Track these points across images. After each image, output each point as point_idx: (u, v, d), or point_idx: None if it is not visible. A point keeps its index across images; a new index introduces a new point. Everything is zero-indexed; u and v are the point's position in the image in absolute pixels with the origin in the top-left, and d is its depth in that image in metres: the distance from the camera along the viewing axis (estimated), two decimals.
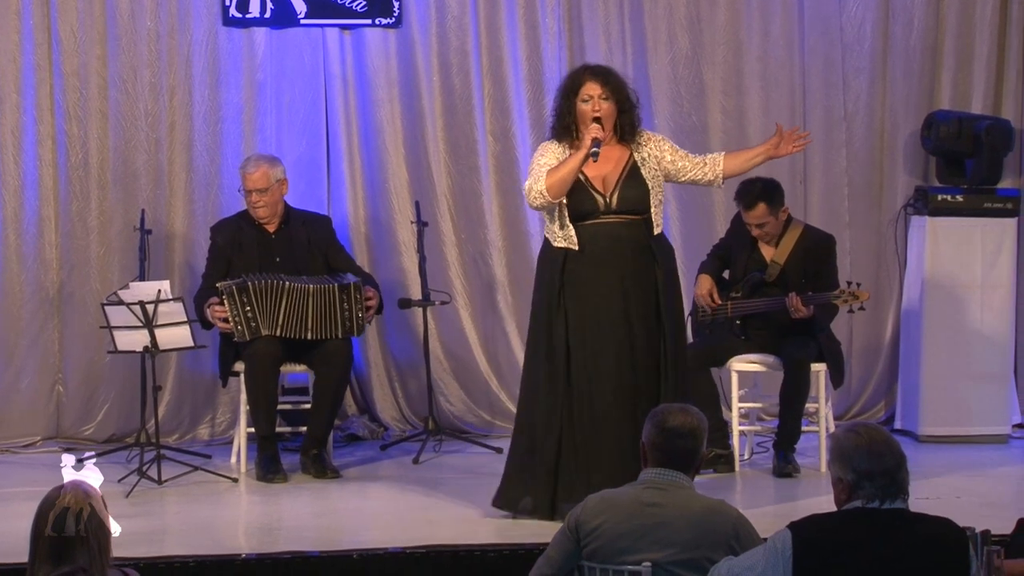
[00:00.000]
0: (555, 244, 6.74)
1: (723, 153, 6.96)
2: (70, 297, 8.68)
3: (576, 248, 6.68)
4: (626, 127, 6.77)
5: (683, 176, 6.85)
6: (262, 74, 8.79)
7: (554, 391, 6.68)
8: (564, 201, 6.67)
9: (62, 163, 8.64)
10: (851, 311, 8.05)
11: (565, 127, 6.77)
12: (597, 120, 6.67)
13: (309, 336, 7.77)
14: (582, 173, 6.68)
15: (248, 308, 7.72)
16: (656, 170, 6.77)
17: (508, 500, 6.83)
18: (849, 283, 7.88)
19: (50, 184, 8.64)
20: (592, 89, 6.73)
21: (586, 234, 6.69)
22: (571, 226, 6.69)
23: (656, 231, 6.75)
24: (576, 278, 6.68)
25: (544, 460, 6.70)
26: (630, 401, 6.62)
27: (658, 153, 6.80)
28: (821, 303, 7.81)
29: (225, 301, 7.71)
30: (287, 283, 7.74)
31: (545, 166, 6.69)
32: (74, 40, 8.60)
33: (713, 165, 6.85)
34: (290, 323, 7.75)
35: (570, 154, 6.68)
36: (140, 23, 8.64)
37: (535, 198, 6.65)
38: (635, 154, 6.77)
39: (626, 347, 6.65)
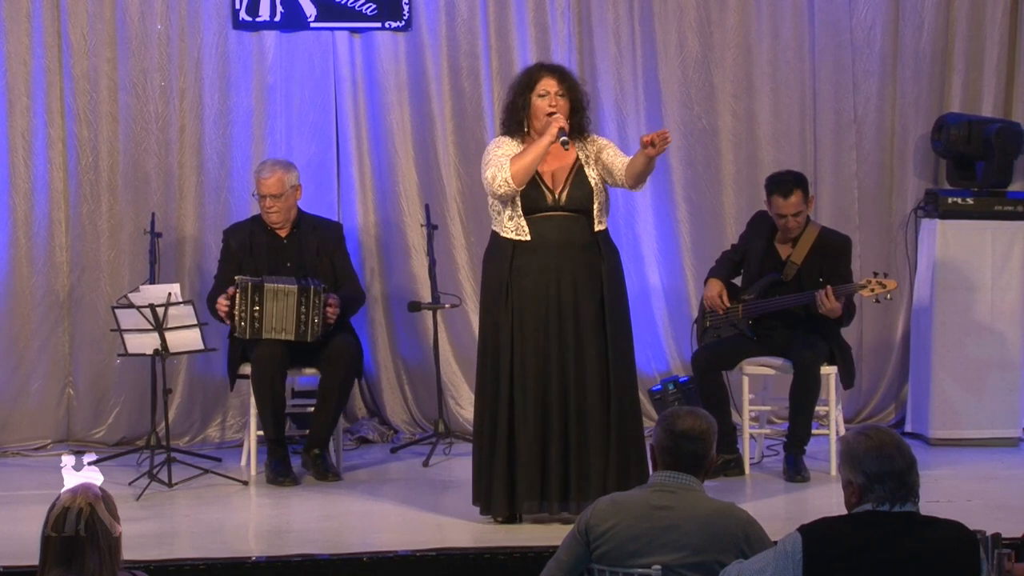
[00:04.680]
0: (504, 235, 6.80)
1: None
2: (80, 300, 8.69)
3: (528, 239, 6.74)
4: (575, 127, 6.83)
5: (608, 178, 6.83)
6: (272, 77, 8.80)
7: (500, 390, 6.74)
8: (519, 192, 6.74)
9: (72, 166, 8.65)
10: (877, 301, 8.03)
11: (518, 122, 6.85)
12: (551, 116, 6.73)
13: (286, 337, 7.76)
14: (536, 170, 6.74)
15: (256, 308, 7.72)
16: (594, 169, 6.83)
17: (482, 503, 6.86)
18: (876, 273, 7.88)
19: (60, 187, 8.66)
20: (548, 85, 6.81)
21: (535, 227, 6.76)
22: (523, 217, 6.75)
23: (598, 228, 6.81)
24: (524, 271, 6.75)
25: (500, 460, 6.75)
26: (575, 395, 6.70)
27: (595, 151, 6.85)
28: (847, 295, 7.80)
29: (238, 294, 7.71)
30: (275, 285, 7.73)
31: (504, 156, 6.75)
32: (84, 43, 8.62)
33: (624, 165, 6.81)
34: (284, 324, 7.74)
35: (525, 147, 6.75)
36: (150, 26, 8.66)
37: (500, 186, 6.69)
38: (580, 154, 6.84)
39: (571, 341, 6.72)
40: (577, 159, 6.83)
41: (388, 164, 8.93)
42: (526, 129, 6.83)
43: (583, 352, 6.73)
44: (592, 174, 6.80)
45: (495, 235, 6.87)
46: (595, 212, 6.80)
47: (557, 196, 6.77)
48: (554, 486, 6.71)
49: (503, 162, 6.71)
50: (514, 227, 6.78)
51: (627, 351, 6.90)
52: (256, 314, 7.73)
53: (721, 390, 7.88)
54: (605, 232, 6.86)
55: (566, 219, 6.78)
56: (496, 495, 6.77)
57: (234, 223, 8.28)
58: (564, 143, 6.66)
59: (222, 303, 7.76)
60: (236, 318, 7.73)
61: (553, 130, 6.66)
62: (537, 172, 6.76)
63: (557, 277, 6.74)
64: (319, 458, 7.83)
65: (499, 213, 6.82)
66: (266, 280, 7.76)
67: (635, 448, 6.81)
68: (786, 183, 7.87)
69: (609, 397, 6.75)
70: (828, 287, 7.72)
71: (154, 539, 6.53)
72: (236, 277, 7.79)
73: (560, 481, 6.72)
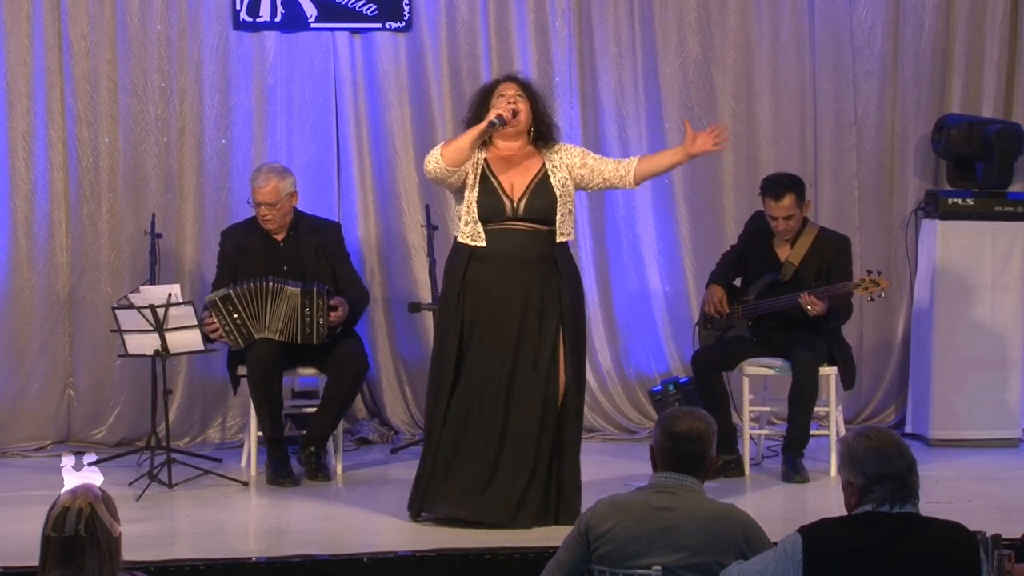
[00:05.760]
0: (461, 241, 6.80)
1: (639, 156, 7.03)
2: (80, 301, 8.69)
3: (483, 245, 6.74)
4: (539, 134, 6.86)
5: (596, 177, 6.88)
6: (272, 78, 8.80)
7: (443, 395, 6.76)
8: (475, 199, 6.74)
9: (72, 167, 8.65)
10: (871, 299, 8.05)
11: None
12: (514, 114, 6.76)
13: (281, 338, 7.74)
14: (494, 176, 6.76)
15: (236, 316, 7.71)
16: (567, 178, 6.83)
17: (412, 504, 6.91)
18: (869, 272, 7.88)
19: (60, 188, 8.66)
20: (506, 89, 6.86)
21: (490, 237, 6.76)
22: (479, 223, 6.75)
23: (561, 239, 6.80)
24: (477, 279, 6.76)
25: (432, 461, 6.79)
26: (516, 406, 6.70)
27: (569, 161, 6.86)
28: (840, 294, 7.80)
29: (212, 313, 7.71)
30: (271, 284, 7.73)
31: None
32: (84, 44, 8.62)
33: (627, 165, 6.91)
34: (279, 325, 7.73)
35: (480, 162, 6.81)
36: (150, 27, 8.66)
37: (428, 162, 6.75)
38: (547, 163, 6.84)
39: (514, 355, 6.71)
40: (542, 167, 6.82)
41: (388, 165, 8.93)
42: (488, 137, 6.84)
43: (533, 367, 6.71)
44: (557, 183, 6.80)
45: (454, 242, 6.87)
46: (558, 222, 6.79)
47: (516, 205, 6.75)
48: (488, 496, 6.72)
49: (437, 146, 6.80)
50: (470, 232, 6.77)
51: (581, 371, 6.91)
52: (238, 321, 7.72)
53: (721, 391, 7.88)
54: (565, 246, 6.85)
55: (522, 232, 6.76)
56: (417, 497, 6.82)
57: (231, 225, 8.26)
58: (492, 124, 6.67)
59: (208, 329, 7.72)
60: (223, 336, 7.73)
61: (491, 115, 6.70)
62: (497, 179, 6.77)
63: (509, 290, 6.72)
64: (313, 457, 7.83)
65: (459, 218, 6.83)
66: (232, 286, 7.74)
67: (572, 475, 6.81)
68: (778, 185, 7.87)
69: (560, 417, 6.75)
70: (807, 292, 7.72)
71: (154, 540, 6.53)
72: (206, 299, 7.79)
73: (495, 492, 6.73)
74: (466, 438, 6.73)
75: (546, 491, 6.74)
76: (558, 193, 6.78)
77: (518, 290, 6.73)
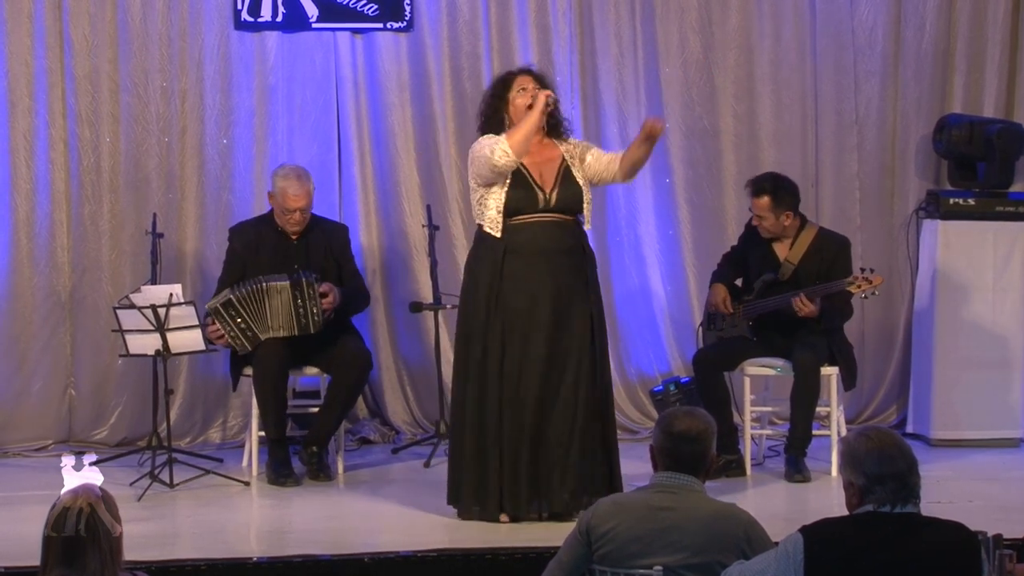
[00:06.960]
0: (494, 235, 6.78)
1: (621, 153, 7.04)
2: (82, 301, 8.69)
3: (498, 235, 6.76)
4: (551, 126, 6.89)
5: (596, 178, 6.93)
6: (274, 78, 8.80)
7: (487, 391, 6.76)
8: (505, 191, 6.74)
9: (74, 167, 8.65)
10: (865, 297, 8.05)
11: (499, 121, 6.87)
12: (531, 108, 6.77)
13: (288, 334, 7.76)
14: (523, 166, 6.76)
15: (240, 320, 7.72)
16: (580, 171, 6.87)
17: (454, 498, 6.94)
18: (863, 269, 7.88)
19: (62, 188, 8.66)
20: (524, 82, 6.88)
21: (521, 229, 6.77)
22: (503, 215, 6.75)
23: (587, 227, 6.91)
24: (512, 274, 6.76)
25: (486, 462, 6.80)
26: (559, 399, 6.74)
27: (581, 155, 6.91)
28: (834, 291, 7.80)
29: (215, 320, 7.71)
30: (265, 284, 7.73)
31: (496, 138, 6.73)
32: (86, 44, 8.62)
33: (612, 160, 6.94)
34: (282, 322, 7.74)
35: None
36: (152, 27, 8.66)
37: (500, 156, 6.62)
38: (565, 154, 6.89)
39: (551, 345, 6.74)
40: (563, 159, 6.87)
41: (390, 165, 8.93)
42: (508, 127, 6.84)
43: (568, 359, 6.74)
44: (579, 175, 6.85)
45: (485, 235, 6.84)
46: (585, 212, 6.86)
47: (548, 195, 6.78)
48: (525, 489, 6.76)
49: (498, 139, 6.71)
50: (490, 222, 6.79)
51: (607, 360, 6.97)
52: (242, 326, 7.72)
53: (722, 391, 7.88)
54: (585, 235, 6.92)
55: (554, 224, 6.79)
56: (466, 496, 6.83)
57: (240, 222, 8.26)
58: (548, 99, 6.68)
59: (212, 336, 7.72)
60: (229, 342, 7.73)
61: (541, 99, 6.69)
62: (527, 170, 6.78)
63: (546, 283, 6.74)
64: (316, 456, 7.84)
65: (486, 209, 6.81)
66: (232, 291, 7.74)
67: (614, 455, 6.87)
68: (758, 183, 7.91)
69: (595, 407, 6.79)
70: (802, 293, 7.74)
71: (155, 540, 6.53)
72: (207, 306, 7.79)
73: (532, 485, 6.76)
74: (519, 433, 6.74)
75: (602, 476, 6.78)
76: (581, 184, 6.84)
77: (555, 282, 6.75)
